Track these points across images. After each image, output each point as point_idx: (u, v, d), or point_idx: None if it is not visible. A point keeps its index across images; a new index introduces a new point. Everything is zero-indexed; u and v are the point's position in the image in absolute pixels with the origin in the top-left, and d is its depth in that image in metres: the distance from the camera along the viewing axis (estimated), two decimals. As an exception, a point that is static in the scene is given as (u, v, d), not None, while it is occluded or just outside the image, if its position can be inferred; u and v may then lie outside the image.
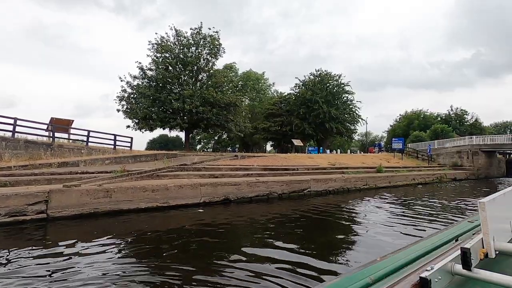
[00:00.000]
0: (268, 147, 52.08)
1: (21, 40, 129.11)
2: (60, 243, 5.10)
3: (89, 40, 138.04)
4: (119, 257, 4.53)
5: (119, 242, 5.41)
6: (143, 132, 22.14)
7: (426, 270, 0.92)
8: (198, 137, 50.24)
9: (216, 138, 49.62)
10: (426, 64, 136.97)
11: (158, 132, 37.18)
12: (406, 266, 1.08)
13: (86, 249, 4.85)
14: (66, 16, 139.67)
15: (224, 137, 44.39)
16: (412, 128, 44.35)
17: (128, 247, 5.19)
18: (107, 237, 5.58)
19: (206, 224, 6.85)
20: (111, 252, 4.76)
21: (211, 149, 50.77)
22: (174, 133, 27.87)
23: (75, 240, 5.27)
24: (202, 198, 9.21)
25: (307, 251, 4.91)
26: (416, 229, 6.57)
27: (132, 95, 21.82)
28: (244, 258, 4.50)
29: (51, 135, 12.59)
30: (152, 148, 46.22)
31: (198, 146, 54.47)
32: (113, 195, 7.73)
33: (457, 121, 47.29)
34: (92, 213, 7.34)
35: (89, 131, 13.78)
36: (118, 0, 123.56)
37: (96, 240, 5.37)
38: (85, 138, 13.92)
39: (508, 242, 1.14)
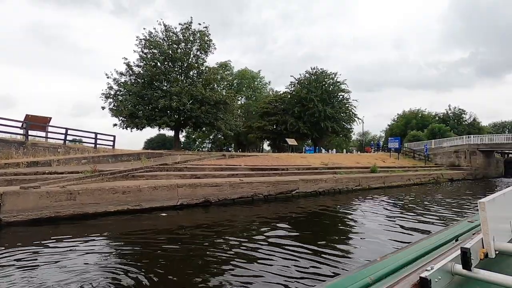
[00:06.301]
0: (266, 146, 51.45)
1: (20, 40, 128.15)
2: (11, 252, 4.55)
3: (88, 41, 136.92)
4: (76, 266, 4.03)
5: (78, 249, 4.83)
6: (131, 131, 21.51)
7: (426, 270, 0.91)
8: (193, 136, 49.52)
9: (211, 137, 48.97)
10: (423, 65, 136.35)
11: (154, 131, 36.56)
12: (406, 266, 1.07)
13: (40, 257, 4.36)
14: (66, 17, 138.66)
15: (220, 136, 43.74)
16: (409, 128, 43.91)
17: (87, 255, 4.61)
18: (66, 243, 5.06)
19: (168, 229, 6.26)
20: (69, 260, 4.25)
21: (206, 149, 50.12)
22: (171, 132, 27.01)
23: (29, 248, 4.74)
24: (179, 200, 8.58)
25: (292, 257, 4.49)
26: (408, 233, 6.03)
27: (118, 92, 21.13)
28: (220, 271, 4.00)
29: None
30: (149, 148, 45.61)
31: (194, 146, 53.80)
32: (77, 197, 7.09)
33: (455, 121, 46.87)
34: (53, 217, 6.71)
35: (67, 129, 13.10)
36: (117, 2, 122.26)
37: (53, 247, 4.84)
38: (66, 137, 13.32)
39: (508, 242, 1.13)
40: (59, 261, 4.20)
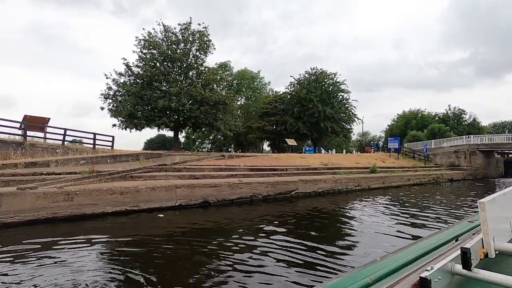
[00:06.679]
0: (266, 147, 51.36)
1: (20, 40, 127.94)
2: (7, 253, 4.53)
3: (88, 41, 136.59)
4: (72, 267, 4.01)
5: (75, 250, 4.81)
6: (130, 131, 21.45)
7: (426, 270, 0.91)
8: (193, 137, 49.46)
9: (211, 138, 48.90)
10: (423, 65, 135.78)
11: (154, 132, 36.48)
12: (406, 266, 1.07)
13: (37, 258, 4.33)
14: (66, 17, 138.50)
15: (219, 137, 43.66)
16: (409, 128, 43.84)
17: (84, 256, 4.57)
18: (63, 244, 5.04)
19: (166, 230, 6.23)
20: (65, 261, 4.23)
21: (206, 149, 50.06)
22: (171, 133, 26.89)
23: (25, 249, 4.73)
24: (177, 201, 8.55)
25: (292, 257, 4.47)
26: (407, 234, 5.98)
27: (117, 93, 21.10)
28: (218, 271, 3.98)
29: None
30: (149, 148, 45.57)
31: (194, 146, 53.70)
32: (75, 198, 7.07)
33: (455, 121, 46.77)
34: (50, 218, 6.68)
35: (65, 130, 13.06)
36: (117, 2, 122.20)
37: (50, 248, 4.82)
38: (68, 137, 13.33)
39: (508, 242, 1.12)
40: (56, 262, 4.19)
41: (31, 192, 6.62)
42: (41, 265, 4.06)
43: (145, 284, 3.52)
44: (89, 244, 5.12)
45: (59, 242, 5.15)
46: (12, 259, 4.30)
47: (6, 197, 6.31)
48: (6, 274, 3.74)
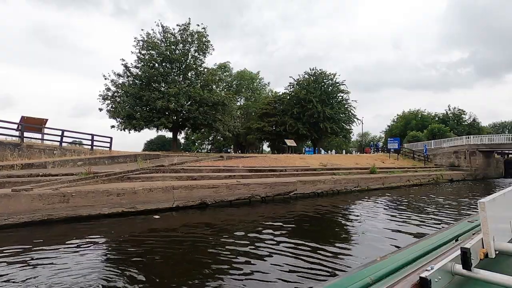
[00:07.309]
0: (265, 147, 51.25)
1: (21, 40, 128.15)
2: (3, 255, 4.47)
3: (89, 42, 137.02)
4: (67, 269, 3.95)
5: (71, 252, 4.75)
6: (129, 132, 21.36)
7: (426, 270, 0.92)
8: (192, 138, 49.38)
9: (210, 138, 48.83)
10: (423, 65, 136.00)
11: (154, 133, 36.39)
12: (406, 266, 1.07)
13: (31, 261, 4.28)
14: (66, 18, 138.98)
15: (219, 138, 43.57)
16: (409, 128, 43.75)
17: (80, 258, 4.51)
18: (58, 246, 4.98)
19: (163, 231, 6.16)
20: (60, 263, 4.18)
21: (205, 150, 49.99)
22: (171, 134, 26.75)
23: (20, 251, 4.68)
24: (175, 202, 8.48)
25: (290, 258, 4.41)
26: (406, 234, 5.92)
27: (116, 94, 21.04)
28: (216, 273, 3.91)
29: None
30: (148, 149, 45.49)
31: (193, 147, 53.62)
32: (70, 199, 7.00)
33: (455, 121, 46.69)
34: (46, 220, 6.61)
35: (63, 131, 13.00)
36: (117, 4, 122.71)
37: (45, 250, 4.77)
38: (67, 139, 13.29)
39: (508, 242, 1.12)
40: (51, 263, 4.14)
41: (26, 193, 6.56)
42: (35, 267, 4.01)
43: (142, 284, 3.46)
44: (84, 246, 5.06)
45: (55, 244, 5.09)
46: (6, 261, 4.24)
47: (1, 199, 6.23)
48: (0, 275, 3.68)
